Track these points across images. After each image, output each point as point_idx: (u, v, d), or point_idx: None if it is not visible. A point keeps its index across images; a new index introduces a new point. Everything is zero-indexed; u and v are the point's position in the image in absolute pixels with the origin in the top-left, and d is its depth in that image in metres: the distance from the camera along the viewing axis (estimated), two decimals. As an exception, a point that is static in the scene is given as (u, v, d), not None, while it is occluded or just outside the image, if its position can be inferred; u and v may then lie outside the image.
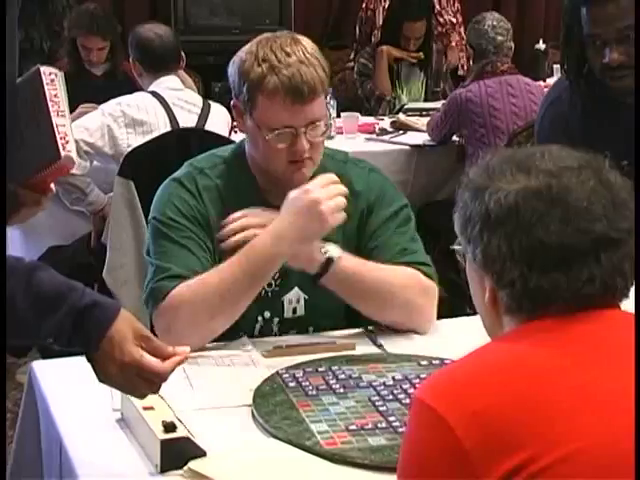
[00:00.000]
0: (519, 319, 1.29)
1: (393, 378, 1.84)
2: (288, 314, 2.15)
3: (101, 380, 1.51)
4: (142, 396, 1.53)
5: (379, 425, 1.65)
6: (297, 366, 1.88)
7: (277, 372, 1.85)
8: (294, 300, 2.15)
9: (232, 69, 2.06)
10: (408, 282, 2.08)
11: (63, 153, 1.47)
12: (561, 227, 1.23)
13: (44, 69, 1.51)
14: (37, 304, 1.43)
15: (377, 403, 1.73)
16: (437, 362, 1.92)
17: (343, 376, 1.84)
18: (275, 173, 2.07)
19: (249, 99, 2.02)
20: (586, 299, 1.24)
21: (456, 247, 1.40)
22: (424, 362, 1.92)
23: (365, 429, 1.63)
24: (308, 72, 1.98)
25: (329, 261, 1.99)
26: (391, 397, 1.76)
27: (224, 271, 1.97)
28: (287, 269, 2.07)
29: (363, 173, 2.20)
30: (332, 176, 1.98)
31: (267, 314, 2.13)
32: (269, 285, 2.11)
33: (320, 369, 1.87)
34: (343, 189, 1.97)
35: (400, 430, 1.61)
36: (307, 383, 1.80)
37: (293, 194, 1.97)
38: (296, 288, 2.13)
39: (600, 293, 1.24)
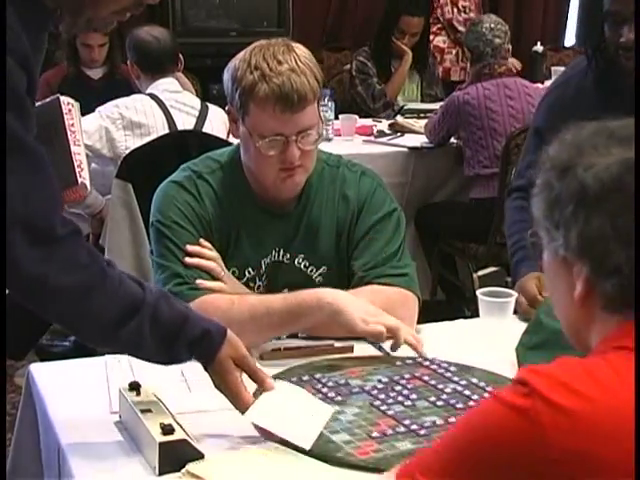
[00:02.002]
0: (617, 319, 1.15)
1: (380, 381, 1.84)
2: None
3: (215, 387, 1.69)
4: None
5: (397, 430, 1.65)
6: (280, 376, 1.85)
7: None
8: None
9: (226, 75, 2.07)
10: (387, 303, 2.06)
11: (80, 180, 1.52)
12: None
13: (63, 99, 1.57)
14: (158, 334, 1.57)
15: (382, 407, 1.73)
16: (410, 361, 1.93)
17: (331, 384, 1.83)
18: (266, 180, 2.09)
19: (241, 106, 2.03)
20: None
21: (529, 240, 1.25)
22: (398, 362, 1.93)
23: (387, 435, 1.63)
24: (298, 80, 1.98)
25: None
26: (392, 400, 1.76)
27: (267, 303, 1.99)
28: (274, 270, 2.11)
29: (355, 177, 2.20)
30: (420, 342, 1.97)
31: None
32: (258, 288, 2.15)
33: (304, 378, 1.85)
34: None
35: (422, 433, 1.63)
36: None
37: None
38: (286, 291, 2.14)
39: None
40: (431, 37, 5.92)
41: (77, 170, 1.52)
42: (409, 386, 1.82)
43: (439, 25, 6.10)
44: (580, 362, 1.12)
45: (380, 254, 2.13)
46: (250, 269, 2.13)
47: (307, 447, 1.56)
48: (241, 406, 1.63)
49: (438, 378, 1.86)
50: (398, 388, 1.81)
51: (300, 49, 2.04)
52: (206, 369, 1.65)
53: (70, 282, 1.48)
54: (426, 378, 1.86)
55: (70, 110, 1.54)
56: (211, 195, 2.13)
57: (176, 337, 1.58)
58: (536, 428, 1.05)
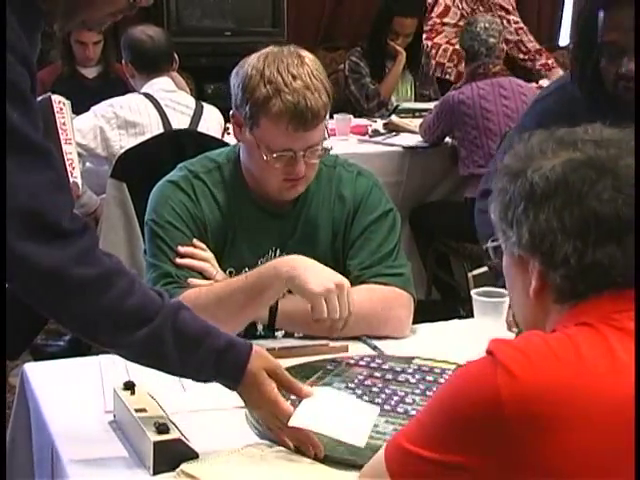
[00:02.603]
0: (568, 307, 1.23)
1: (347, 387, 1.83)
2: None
3: (248, 407, 1.66)
4: (277, 428, 1.61)
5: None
6: None
7: None
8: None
9: (236, 81, 2.04)
10: (383, 302, 2.08)
11: (72, 179, 1.52)
12: (614, 195, 1.17)
13: (54, 97, 1.57)
14: (180, 343, 1.53)
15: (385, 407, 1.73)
16: (335, 363, 1.93)
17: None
18: (269, 187, 2.09)
19: (251, 116, 2.01)
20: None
21: (489, 245, 1.35)
22: (329, 366, 1.92)
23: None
24: (313, 99, 1.96)
25: None
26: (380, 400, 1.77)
27: (230, 285, 1.99)
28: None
29: (351, 177, 2.20)
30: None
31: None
32: None
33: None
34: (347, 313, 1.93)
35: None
36: None
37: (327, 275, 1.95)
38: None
39: None
40: (446, 40, 5.91)
41: (69, 169, 1.53)
42: (374, 388, 1.82)
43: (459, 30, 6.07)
44: (543, 336, 1.21)
45: (376, 254, 2.14)
46: (247, 269, 2.13)
47: (362, 444, 1.53)
48: (284, 415, 1.57)
49: (386, 371, 1.88)
50: (375, 390, 1.81)
51: (311, 60, 2.02)
52: (237, 390, 1.59)
53: (88, 274, 1.46)
54: (378, 374, 1.86)
55: (61, 109, 1.54)
56: (207, 195, 2.12)
57: (200, 346, 1.55)
58: (494, 390, 1.14)
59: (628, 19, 2.10)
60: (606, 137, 1.25)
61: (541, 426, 1.12)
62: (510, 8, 6.03)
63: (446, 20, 5.88)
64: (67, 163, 1.52)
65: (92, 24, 1.53)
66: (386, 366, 1.90)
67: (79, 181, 1.50)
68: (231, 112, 2.10)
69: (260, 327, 2.14)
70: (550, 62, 5.90)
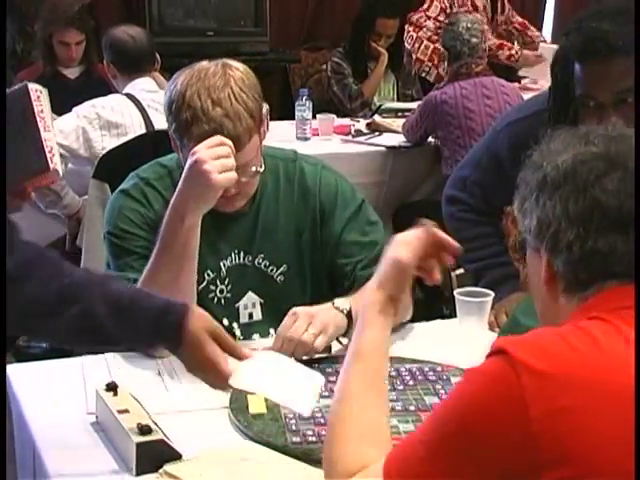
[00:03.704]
0: (577, 301, 1.25)
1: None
2: (244, 319, 2.15)
3: (188, 370, 1.60)
4: (216, 387, 1.60)
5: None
6: None
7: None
8: (249, 305, 2.15)
9: (166, 98, 2.02)
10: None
11: (51, 166, 1.54)
12: (620, 187, 1.20)
13: (31, 86, 1.57)
14: (115, 311, 1.51)
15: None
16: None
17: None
18: None
19: (178, 138, 2.00)
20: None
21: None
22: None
23: None
24: (231, 126, 1.93)
25: (349, 314, 1.97)
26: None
27: (151, 263, 1.97)
28: (236, 273, 2.10)
29: (315, 170, 2.19)
30: (220, 138, 1.92)
31: (225, 321, 2.12)
32: (221, 292, 2.13)
33: None
34: (228, 150, 1.91)
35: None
36: None
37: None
38: (249, 293, 2.14)
39: None
40: (425, 37, 5.91)
41: (49, 156, 1.53)
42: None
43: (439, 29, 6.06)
44: (554, 330, 1.21)
45: (373, 249, 2.12)
46: (209, 271, 2.12)
47: (306, 413, 1.52)
48: (225, 379, 1.54)
49: None
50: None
51: (237, 78, 1.98)
52: (178, 353, 1.56)
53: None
54: None
55: (39, 97, 1.54)
56: (160, 201, 2.10)
57: (136, 309, 1.53)
58: (515, 390, 1.11)
59: (606, 74, 2.01)
60: (623, 132, 1.28)
61: (566, 420, 1.10)
62: (481, 7, 6.05)
63: (428, 14, 5.89)
64: (46, 150, 1.53)
65: (63, 6, 1.52)
66: None
67: (59, 168, 1.51)
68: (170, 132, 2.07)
69: (237, 329, 2.13)
70: (514, 52, 5.91)
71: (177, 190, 1.95)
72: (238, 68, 2.01)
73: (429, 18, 5.91)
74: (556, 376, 1.12)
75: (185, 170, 1.94)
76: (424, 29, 5.86)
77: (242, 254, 2.14)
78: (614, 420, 1.11)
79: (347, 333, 1.96)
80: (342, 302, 1.99)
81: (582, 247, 1.22)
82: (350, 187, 2.22)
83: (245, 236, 2.14)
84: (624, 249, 1.21)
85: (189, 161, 1.92)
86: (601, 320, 1.20)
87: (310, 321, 1.90)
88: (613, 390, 1.12)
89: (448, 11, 5.85)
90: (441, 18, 5.86)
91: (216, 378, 1.56)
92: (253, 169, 2.03)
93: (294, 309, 1.94)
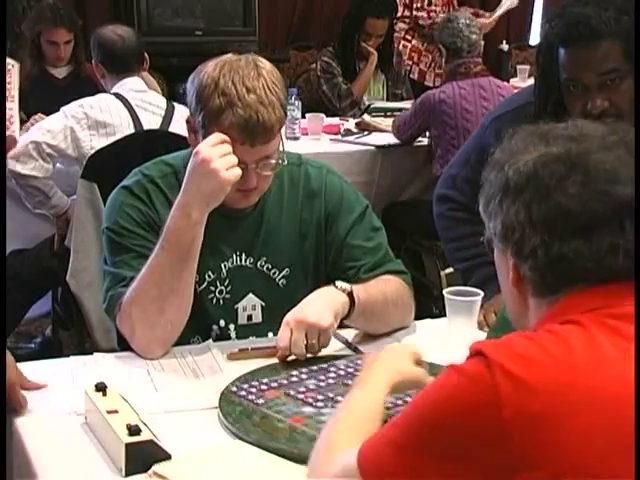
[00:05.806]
0: (547, 304, 1.25)
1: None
2: (243, 321, 2.14)
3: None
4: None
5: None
6: (243, 381, 1.81)
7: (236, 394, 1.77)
8: (249, 307, 2.14)
9: (191, 87, 2.00)
10: (398, 292, 2.11)
11: (8, 132, 1.51)
12: (581, 190, 1.19)
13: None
14: None
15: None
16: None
17: (303, 389, 1.78)
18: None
19: (204, 126, 1.97)
20: (609, 272, 1.20)
21: (482, 239, 1.36)
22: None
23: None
24: (266, 114, 1.92)
25: (350, 294, 1.98)
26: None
27: (152, 262, 1.96)
28: (237, 275, 2.09)
29: (320, 173, 2.19)
30: (221, 136, 1.92)
31: (222, 322, 2.12)
32: (220, 292, 2.12)
33: (264, 380, 1.81)
34: (230, 148, 1.91)
35: None
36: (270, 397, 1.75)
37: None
38: (250, 295, 2.13)
39: (624, 266, 1.20)
40: (400, 37, 5.93)
41: (7, 124, 1.53)
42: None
43: (409, 25, 6.08)
44: (529, 335, 1.21)
45: (377, 253, 2.14)
46: (210, 273, 2.11)
47: None
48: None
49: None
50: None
51: (268, 72, 1.98)
52: None
53: None
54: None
55: (9, 70, 1.54)
56: (162, 200, 2.08)
57: None
58: (490, 390, 1.13)
59: (590, 57, 2.05)
60: (584, 132, 1.26)
61: (539, 426, 1.11)
62: (456, 2, 6.11)
63: (397, 15, 5.92)
64: (7, 117, 1.53)
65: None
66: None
67: (17, 135, 1.52)
68: (187, 118, 2.06)
69: (215, 327, 2.12)
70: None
71: (183, 189, 1.94)
72: (265, 62, 2.02)
73: (398, 19, 5.93)
74: (530, 382, 1.13)
75: (190, 169, 1.93)
76: (396, 32, 5.87)
77: (244, 256, 2.13)
78: (588, 426, 1.12)
79: (349, 313, 1.98)
80: (343, 283, 2.00)
81: (547, 253, 1.22)
82: (354, 191, 2.23)
83: (247, 238, 2.13)
84: (588, 254, 1.20)
85: (194, 160, 1.91)
86: (574, 324, 1.20)
87: (305, 331, 1.89)
88: (587, 395, 1.13)
89: (413, 5, 5.91)
90: (407, 13, 5.90)
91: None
92: (274, 163, 2.02)
93: (287, 318, 1.91)
